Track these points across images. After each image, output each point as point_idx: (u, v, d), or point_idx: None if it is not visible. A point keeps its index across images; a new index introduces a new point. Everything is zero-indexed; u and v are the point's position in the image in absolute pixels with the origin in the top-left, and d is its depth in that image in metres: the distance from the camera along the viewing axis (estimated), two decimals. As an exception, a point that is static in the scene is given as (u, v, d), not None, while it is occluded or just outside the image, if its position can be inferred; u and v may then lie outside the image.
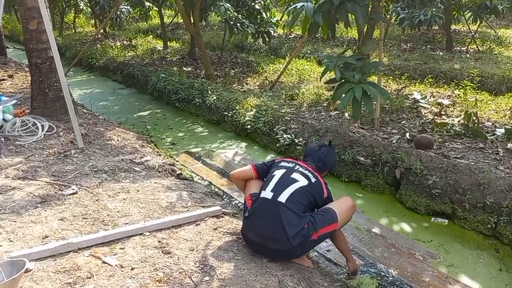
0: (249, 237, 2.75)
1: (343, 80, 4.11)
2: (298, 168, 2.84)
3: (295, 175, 2.77)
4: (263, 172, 2.96)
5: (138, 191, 3.60)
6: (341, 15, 3.97)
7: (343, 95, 3.99)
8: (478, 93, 6.25)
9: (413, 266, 3.15)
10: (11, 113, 4.60)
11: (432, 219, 3.82)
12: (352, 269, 3.01)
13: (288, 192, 2.67)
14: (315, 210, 2.80)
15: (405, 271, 3.10)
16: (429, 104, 5.82)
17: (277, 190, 2.70)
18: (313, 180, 2.80)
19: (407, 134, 4.81)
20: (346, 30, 12.07)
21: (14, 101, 4.96)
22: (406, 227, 3.73)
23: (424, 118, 5.36)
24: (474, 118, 4.82)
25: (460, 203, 3.67)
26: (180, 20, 16.64)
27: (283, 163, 2.91)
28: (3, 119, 4.42)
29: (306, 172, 2.82)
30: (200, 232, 2.97)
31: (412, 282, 2.99)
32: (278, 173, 2.81)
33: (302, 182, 2.74)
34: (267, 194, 2.71)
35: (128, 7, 14.46)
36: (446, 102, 5.75)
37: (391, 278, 3.03)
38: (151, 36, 14.28)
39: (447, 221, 3.77)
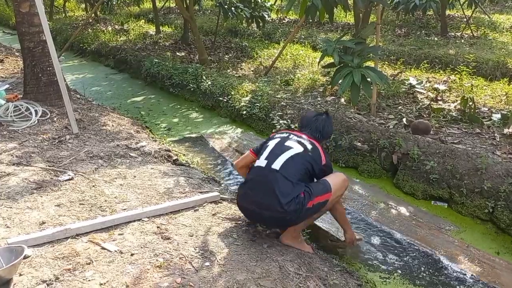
0: (244, 205, 2.74)
1: (341, 65, 4.07)
2: (293, 137, 2.80)
3: (289, 143, 2.74)
4: (260, 151, 2.92)
5: (135, 177, 3.56)
6: (339, -2, 3.92)
7: (341, 80, 3.95)
8: (473, 78, 6.25)
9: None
10: (3, 98, 4.52)
11: (432, 202, 3.84)
12: (348, 240, 3.06)
13: (282, 159, 2.63)
14: (314, 180, 2.77)
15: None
16: (425, 90, 5.80)
17: (271, 158, 2.67)
18: (309, 147, 2.74)
19: (404, 120, 4.80)
20: (341, 14, 11.98)
21: (6, 86, 4.86)
22: (404, 211, 3.74)
23: (421, 104, 5.36)
24: (471, 103, 4.82)
25: (457, 188, 3.68)
26: (172, 4, 16.39)
27: (277, 135, 2.88)
28: (-5, 104, 4.34)
29: (301, 140, 2.77)
30: (199, 217, 2.95)
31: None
32: (272, 143, 2.78)
33: (297, 149, 2.70)
34: (261, 162, 2.70)
35: (120, -10, 14.19)
36: (442, 87, 5.74)
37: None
38: (143, 21, 14.04)
39: (446, 204, 3.79)
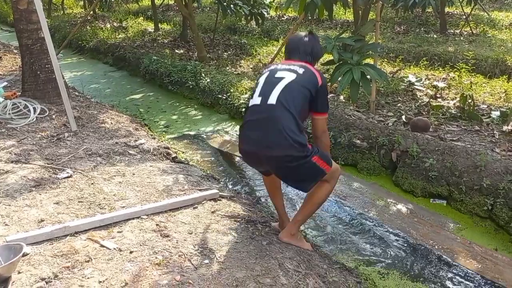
0: (246, 149, 2.56)
1: (341, 62, 4.07)
2: (282, 66, 2.58)
3: (280, 74, 2.52)
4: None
5: (133, 174, 3.56)
6: (339, -5, 3.90)
7: (341, 77, 3.95)
8: (473, 75, 6.25)
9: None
10: (1, 95, 4.49)
11: (431, 200, 3.84)
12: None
13: (276, 92, 2.43)
14: (315, 105, 2.53)
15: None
16: (424, 87, 5.80)
17: (265, 93, 2.47)
18: (300, 71, 2.51)
19: (403, 117, 4.80)
20: (340, 11, 11.95)
21: (5, 84, 4.85)
22: (403, 208, 3.75)
23: (420, 101, 5.36)
24: (470, 100, 4.82)
25: (456, 186, 3.69)
26: (171, 2, 16.35)
27: (265, 70, 2.66)
28: (-6, 102, 4.33)
29: (291, 67, 2.55)
30: (198, 215, 2.95)
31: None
32: (262, 79, 2.58)
33: (290, 77, 2.48)
34: (256, 100, 2.50)
35: (118, -13, 14.15)
36: (441, 84, 5.74)
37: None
38: (142, 18, 14.00)
39: (445, 202, 3.79)
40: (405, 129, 4.50)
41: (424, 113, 4.96)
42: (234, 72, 7.48)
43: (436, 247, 3.17)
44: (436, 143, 4.02)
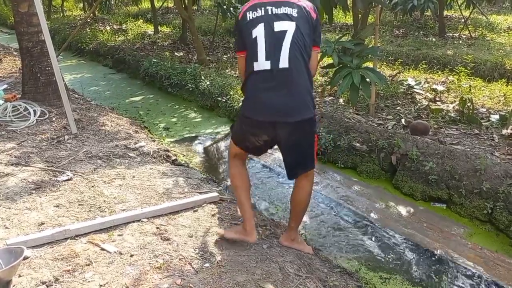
0: (262, 119, 2.34)
1: (340, 65, 4.08)
2: (273, 10, 2.30)
3: (278, 25, 2.27)
4: (241, 45, 2.41)
5: (134, 177, 3.56)
6: (339, -1, 3.92)
7: (341, 81, 3.96)
8: (472, 79, 6.27)
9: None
10: (1, 98, 4.50)
11: (431, 203, 3.84)
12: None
13: (285, 52, 2.23)
14: (314, 41, 2.39)
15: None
16: (423, 90, 5.82)
17: (273, 55, 2.25)
18: (295, 13, 2.29)
19: (403, 120, 4.81)
20: (339, 15, 11.98)
21: (5, 86, 4.85)
22: (403, 212, 3.75)
23: (419, 104, 5.37)
24: (469, 104, 4.83)
25: (456, 189, 3.69)
26: (171, 4, 16.39)
27: (253, 15, 2.32)
28: (-6, 104, 4.33)
29: (284, 9, 2.30)
30: (198, 218, 2.95)
31: (410, 267, 3.02)
32: (259, 34, 2.28)
33: (291, 28, 2.26)
34: (264, 64, 2.26)
35: (118, -10, 14.19)
36: (440, 88, 5.75)
37: (389, 263, 3.05)
38: (141, 21, 14.05)
39: (445, 205, 3.79)
40: (404, 132, 4.51)
41: (423, 116, 4.97)
42: (234, 75, 7.49)
43: (439, 250, 3.17)
44: (435, 147, 4.03)
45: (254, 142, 2.49)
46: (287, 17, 2.28)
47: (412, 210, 3.77)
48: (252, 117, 2.38)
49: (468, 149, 3.99)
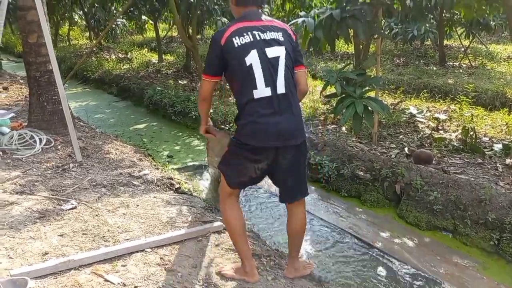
0: (266, 145, 2.32)
1: (343, 95, 4.13)
2: (262, 36, 2.29)
3: (270, 51, 2.28)
4: (219, 70, 2.37)
5: (137, 205, 3.55)
6: (342, 31, 4.01)
7: (344, 110, 4.00)
8: (473, 108, 6.32)
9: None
10: (8, 126, 4.54)
11: (437, 232, 3.82)
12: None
13: (281, 78, 2.28)
14: (298, 61, 2.45)
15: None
16: (426, 119, 5.86)
17: (270, 80, 2.26)
18: (280, 36, 2.34)
19: (406, 149, 4.82)
20: (341, 44, 12.18)
21: (12, 115, 4.90)
22: (409, 241, 3.72)
23: (422, 133, 5.40)
24: (472, 133, 4.86)
25: (461, 219, 3.67)
26: (175, 34, 16.72)
27: (241, 40, 2.27)
28: (0, 133, 4.36)
29: (271, 35, 2.32)
30: (202, 248, 2.93)
31: None
32: (254, 60, 2.26)
33: (282, 53, 2.30)
34: (264, 91, 2.26)
35: (124, 20, 14.50)
36: (442, 116, 5.80)
37: None
38: (146, 49, 14.29)
39: (450, 234, 3.76)
40: (408, 161, 4.52)
41: (426, 145, 4.99)
42: (237, 103, 7.56)
43: (447, 281, 3.13)
44: (439, 176, 4.03)
45: (253, 173, 2.42)
46: (276, 42, 2.31)
47: (418, 240, 3.73)
48: (256, 144, 2.32)
49: (472, 179, 3.99)
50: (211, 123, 2.80)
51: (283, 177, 2.52)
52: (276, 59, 2.29)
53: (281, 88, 2.28)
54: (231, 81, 2.41)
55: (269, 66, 2.27)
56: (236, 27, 2.31)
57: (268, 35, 2.31)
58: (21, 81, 8.79)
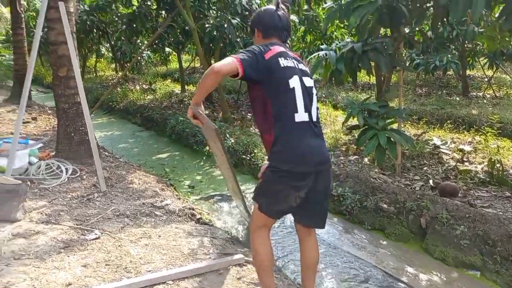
0: (304, 170, 2.29)
1: (366, 127, 4.12)
2: (298, 65, 2.38)
3: (306, 80, 2.37)
4: (252, 72, 2.23)
5: (159, 236, 3.56)
6: (363, 63, 4.04)
7: (367, 142, 3.98)
8: (499, 139, 6.20)
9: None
10: (36, 156, 4.67)
11: (464, 270, 3.69)
12: None
13: (314, 107, 2.38)
14: None
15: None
16: (450, 150, 5.77)
17: (309, 109, 2.33)
18: (305, 68, 2.44)
19: (431, 181, 4.74)
20: (362, 74, 12.24)
21: (40, 145, 5.05)
22: (436, 279, 3.60)
23: (447, 165, 5.30)
24: (498, 165, 4.75)
25: (490, 256, 3.55)
26: (197, 64, 17.11)
27: (287, 63, 2.31)
28: (29, 162, 4.49)
29: (301, 65, 2.41)
30: (223, 282, 2.90)
31: None
32: (296, 85, 2.30)
33: (312, 83, 2.42)
34: (303, 116, 2.29)
35: (149, 52, 14.94)
36: (467, 148, 5.70)
37: None
38: (170, 80, 14.65)
39: (479, 272, 3.63)
40: (433, 194, 4.43)
41: (451, 177, 4.90)
42: (258, 133, 7.61)
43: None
44: (466, 210, 3.93)
45: (293, 202, 2.33)
46: (307, 74, 2.41)
47: (446, 275, 3.61)
48: (299, 170, 2.28)
49: (501, 213, 3.88)
50: (202, 108, 2.46)
51: (319, 202, 2.47)
52: (311, 88, 2.37)
53: (314, 116, 2.35)
54: (266, 101, 2.31)
55: (307, 93, 2.33)
56: (279, 50, 2.33)
57: (301, 66, 2.39)
58: (49, 112, 9.08)
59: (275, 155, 2.31)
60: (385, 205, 4.43)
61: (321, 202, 2.48)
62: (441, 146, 5.78)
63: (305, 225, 2.57)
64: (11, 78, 11.60)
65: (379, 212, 4.47)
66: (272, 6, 2.51)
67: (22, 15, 9.79)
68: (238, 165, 6.66)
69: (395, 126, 4.91)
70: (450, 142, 6.13)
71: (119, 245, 3.27)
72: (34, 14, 15.43)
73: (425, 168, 5.25)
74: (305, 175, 2.29)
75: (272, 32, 2.46)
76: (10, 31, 11.61)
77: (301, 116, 2.28)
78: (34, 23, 15.94)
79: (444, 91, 10.54)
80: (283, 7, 2.49)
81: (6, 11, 17.39)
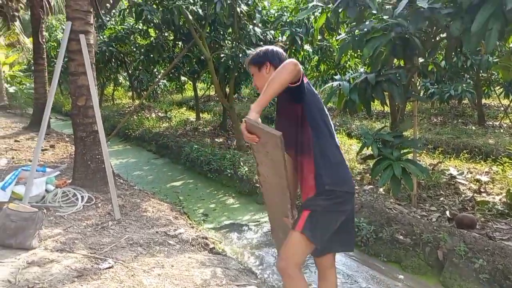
0: (353, 190, 2.35)
1: (380, 157, 4.10)
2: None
3: (325, 109, 2.45)
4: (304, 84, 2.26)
5: (172, 266, 3.55)
6: (377, 94, 4.06)
7: (382, 172, 3.96)
8: (517, 169, 6.09)
9: None
10: (53, 184, 4.74)
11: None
12: None
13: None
14: None
15: None
16: (467, 181, 5.68)
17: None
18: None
19: (447, 212, 4.66)
20: (376, 103, 12.25)
21: (58, 173, 5.13)
22: (454, 315, 3.49)
23: (463, 196, 5.21)
24: (517, 196, 4.66)
25: (511, 290, 3.44)
26: (212, 93, 17.36)
27: (315, 90, 2.40)
28: (46, 190, 4.55)
29: None
30: (236, 314, 2.86)
31: None
32: (327, 113, 2.37)
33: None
34: (337, 141, 2.41)
35: (165, 81, 15.24)
36: (484, 178, 5.61)
37: None
38: (185, 108, 14.86)
39: (499, 310, 3.52)
40: (450, 225, 4.35)
41: (468, 208, 4.81)
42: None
43: None
44: (484, 242, 3.84)
45: (335, 227, 2.31)
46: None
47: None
48: (351, 190, 2.31)
49: (521, 246, 3.77)
50: (259, 120, 2.11)
51: (351, 224, 2.46)
52: (329, 117, 2.40)
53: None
54: (316, 121, 2.29)
55: (330, 120, 2.39)
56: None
57: None
58: (67, 139, 9.25)
59: (331, 177, 2.24)
60: (401, 237, 4.36)
61: (353, 223, 2.48)
62: (458, 176, 5.70)
63: (336, 252, 2.55)
64: (31, 106, 11.93)
65: (395, 243, 4.38)
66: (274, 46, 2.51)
67: (44, 46, 10.13)
68: (252, 193, 6.65)
69: (410, 156, 4.87)
70: (467, 172, 6.04)
71: (132, 275, 3.27)
72: (55, 44, 15.96)
73: (441, 199, 5.17)
74: (352, 196, 2.32)
75: None
76: (32, 61, 12.00)
77: (337, 140, 2.37)
78: (55, 53, 16.48)
79: (459, 120, 10.46)
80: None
81: (28, 42, 18.05)
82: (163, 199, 6.10)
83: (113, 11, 11.52)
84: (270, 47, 2.48)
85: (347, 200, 2.28)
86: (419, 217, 4.61)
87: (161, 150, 9.86)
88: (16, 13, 13.40)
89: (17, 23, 15.96)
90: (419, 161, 6.60)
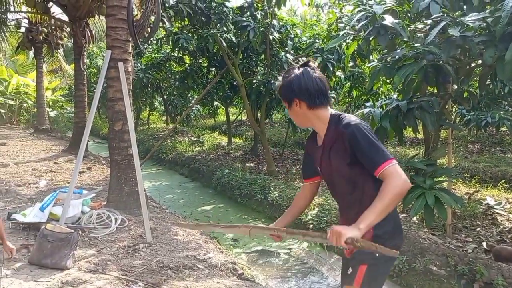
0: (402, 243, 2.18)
1: (413, 185, 4.02)
2: None
3: None
4: None
5: (201, 291, 3.57)
6: (409, 121, 4.02)
7: (414, 201, 3.87)
8: (560, 200, 5.82)
9: None
10: (89, 205, 4.90)
11: None
12: None
13: None
14: None
15: None
16: (505, 211, 5.46)
17: None
18: None
19: (484, 244, 4.48)
20: (409, 130, 12.04)
21: (93, 195, 5.31)
22: None
23: (502, 226, 5.01)
24: (560, 229, 4.44)
25: (555, 329, 3.25)
26: (244, 117, 17.57)
27: None
28: (82, 211, 4.71)
29: None
30: None
31: None
32: None
33: None
34: None
35: (198, 105, 15.59)
36: (524, 209, 5.38)
37: None
38: (217, 132, 15.08)
39: None
40: (486, 257, 4.18)
41: (507, 240, 4.61)
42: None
43: None
44: (524, 277, 3.67)
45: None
46: None
47: None
48: (401, 243, 2.18)
49: None
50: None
51: None
52: None
53: None
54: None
55: None
56: None
57: None
58: (103, 162, 9.56)
59: (387, 234, 2.04)
60: (435, 268, 4.22)
61: None
62: (495, 206, 5.49)
63: None
64: (71, 130, 12.44)
65: (428, 275, 4.25)
66: (300, 69, 2.08)
67: (85, 72, 10.62)
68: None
69: (445, 184, 4.75)
70: (505, 202, 5.82)
71: (161, 298, 3.31)
72: (95, 70, 16.68)
73: (478, 230, 4.99)
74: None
75: (322, 99, 2.05)
76: (73, 86, 12.58)
77: None
78: (95, 78, 17.22)
79: (497, 148, 10.12)
80: (314, 66, 2.09)
81: (69, 68, 18.97)
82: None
83: (151, 39, 12.00)
84: (296, 77, 2.05)
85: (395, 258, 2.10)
86: (454, 248, 4.46)
87: (193, 173, 10.02)
88: (60, 41, 14.18)
89: (60, 50, 16.83)
90: (454, 190, 6.42)
